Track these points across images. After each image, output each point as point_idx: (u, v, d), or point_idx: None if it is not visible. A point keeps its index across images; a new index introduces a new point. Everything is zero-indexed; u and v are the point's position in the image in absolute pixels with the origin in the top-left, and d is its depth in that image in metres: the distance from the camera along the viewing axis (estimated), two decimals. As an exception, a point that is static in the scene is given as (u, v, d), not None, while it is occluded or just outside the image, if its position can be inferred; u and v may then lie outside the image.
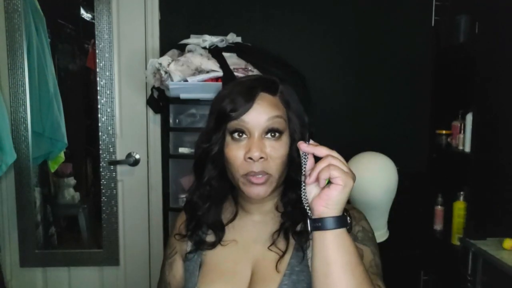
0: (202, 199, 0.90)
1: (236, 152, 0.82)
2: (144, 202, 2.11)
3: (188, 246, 0.94)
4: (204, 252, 0.91)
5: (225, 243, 0.90)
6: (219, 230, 0.91)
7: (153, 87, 1.92)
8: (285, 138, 0.82)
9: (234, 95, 0.81)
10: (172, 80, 1.77)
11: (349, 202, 0.77)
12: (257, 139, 0.80)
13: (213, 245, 0.90)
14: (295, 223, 0.86)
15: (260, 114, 0.80)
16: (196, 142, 0.89)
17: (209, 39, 1.88)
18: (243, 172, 0.81)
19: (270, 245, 0.86)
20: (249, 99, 0.80)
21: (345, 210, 0.79)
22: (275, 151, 0.81)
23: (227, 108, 0.80)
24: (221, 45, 1.90)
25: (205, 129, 0.87)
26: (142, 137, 2.08)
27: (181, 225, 0.95)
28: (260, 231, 0.89)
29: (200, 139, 0.88)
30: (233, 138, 0.82)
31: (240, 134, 0.81)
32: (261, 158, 0.79)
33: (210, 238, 0.91)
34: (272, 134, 0.81)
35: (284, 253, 0.84)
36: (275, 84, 0.85)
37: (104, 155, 2.06)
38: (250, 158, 0.79)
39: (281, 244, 0.85)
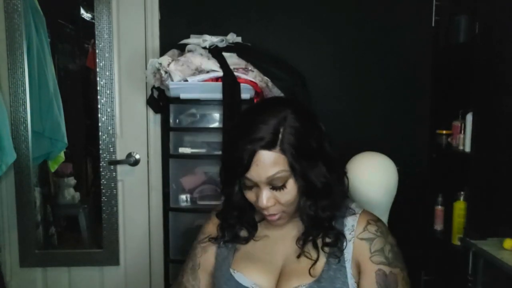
0: (233, 217, 0.97)
1: (250, 196, 0.89)
2: (144, 202, 2.11)
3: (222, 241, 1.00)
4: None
5: (257, 239, 0.97)
6: (252, 228, 0.97)
7: (153, 87, 1.92)
8: (290, 185, 0.85)
9: (237, 151, 0.83)
10: (172, 80, 1.77)
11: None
12: (264, 190, 0.85)
13: (246, 240, 0.97)
14: (322, 235, 0.90)
15: (260, 174, 0.83)
16: (219, 171, 0.92)
17: (209, 39, 1.88)
18: (259, 210, 0.90)
19: (299, 255, 0.91)
20: (247, 161, 0.82)
21: (340, 234, 0.88)
22: (282, 198, 0.86)
23: (232, 165, 0.85)
24: (221, 45, 1.90)
25: (222, 161, 0.89)
26: (142, 137, 2.08)
27: (216, 226, 1.00)
28: (287, 228, 0.95)
29: (221, 169, 0.91)
30: (245, 186, 0.88)
31: (250, 185, 0.87)
32: (270, 205, 0.86)
33: (244, 233, 0.98)
34: (276, 188, 0.85)
35: (317, 260, 0.89)
36: (274, 137, 0.82)
37: (104, 155, 2.06)
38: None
39: (312, 251, 0.90)
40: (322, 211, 0.88)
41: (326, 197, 0.88)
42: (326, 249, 0.89)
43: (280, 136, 0.82)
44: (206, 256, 1.01)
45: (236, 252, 0.97)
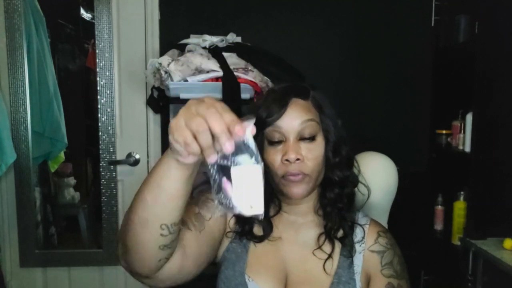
0: None
1: (273, 156, 0.86)
2: (144, 202, 2.10)
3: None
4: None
5: (272, 239, 0.94)
6: (267, 226, 0.94)
7: (153, 87, 1.92)
8: (319, 139, 0.87)
9: (268, 103, 0.86)
10: (172, 80, 1.76)
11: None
12: (293, 142, 0.85)
13: (260, 240, 0.94)
14: (338, 227, 0.91)
15: (294, 119, 0.85)
16: None
17: (209, 39, 1.88)
18: (281, 173, 0.86)
19: (316, 249, 0.90)
20: (283, 105, 0.85)
21: (354, 224, 0.90)
22: (311, 152, 0.86)
23: (262, 115, 0.85)
24: (221, 45, 1.90)
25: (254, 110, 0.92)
26: (142, 137, 2.08)
27: (230, 220, 0.97)
28: (298, 232, 0.94)
29: None
30: (270, 143, 0.87)
31: (277, 139, 0.86)
32: (298, 159, 0.84)
33: (257, 231, 0.95)
34: (306, 137, 0.85)
35: (330, 255, 0.89)
36: (306, 90, 0.90)
37: (104, 155, 2.06)
38: (287, 160, 0.84)
39: (327, 247, 0.90)
40: (346, 185, 0.90)
41: (349, 169, 0.91)
42: (338, 245, 0.89)
43: (311, 93, 0.91)
44: (219, 221, 0.92)
45: (249, 253, 0.93)
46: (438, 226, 2.12)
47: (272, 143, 0.86)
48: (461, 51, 2.00)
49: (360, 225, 0.92)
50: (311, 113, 0.87)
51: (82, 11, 2.56)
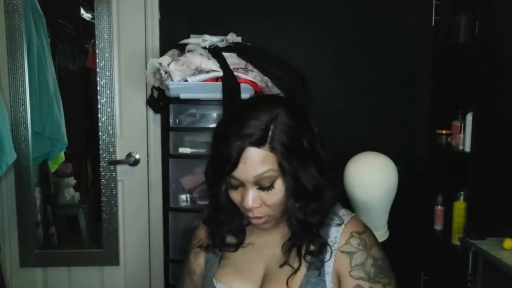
0: (221, 221, 0.94)
1: (234, 196, 0.85)
2: (144, 202, 2.11)
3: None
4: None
5: (244, 245, 0.95)
6: (241, 233, 0.95)
7: (153, 87, 1.92)
8: (278, 184, 0.81)
9: (225, 147, 0.79)
10: (172, 80, 1.77)
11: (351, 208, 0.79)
12: (250, 189, 0.81)
13: (235, 247, 0.95)
14: (307, 242, 0.86)
15: (247, 172, 0.79)
16: (205, 170, 0.90)
17: (209, 39, 1.88)
18: (243, 212, 0.87)
19: (282, 265, 0.88)
20: (236, 158, 0.78)
21: (325, 244, 0.85)
22: (269, 199, 0.82)
23: (220, 162, 0.81)
24: (221, 45, 1.90)
25: (210, 159, 0.87)
26: (142, 137, 2.08)
27: (205, 232, 0.99)
28: (272, 235, 0.93)
29: (207, 168, 0.89)
30: (230, 186, 0.85)
31: (235, 184, 0.83)
32: (256, 207, 0.82)
33: (231, 239, 0.96)
34: (264, 187, 0.81)
35: (297, 269, 0.86)
36: (264, 135, 0.79)
37: (104, 155, 2.06)
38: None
39: (294, 259, 0.87)
40: (311, 216, 0.84)
41: (316, 201, 0.84)
42: (308, 257, 0.85)
43: (270, 133, 0.79)
44: (198, 262, 1.01)
45: (221, 260, 0.96)
46: (438, 226, 2.12)
47: (232, 186, 0.84)
48: (461, 51, 2.00)
49: (337, 224, 0.88)
50: (266, 163, 0.79)
51: (82, 11, 2.57)
